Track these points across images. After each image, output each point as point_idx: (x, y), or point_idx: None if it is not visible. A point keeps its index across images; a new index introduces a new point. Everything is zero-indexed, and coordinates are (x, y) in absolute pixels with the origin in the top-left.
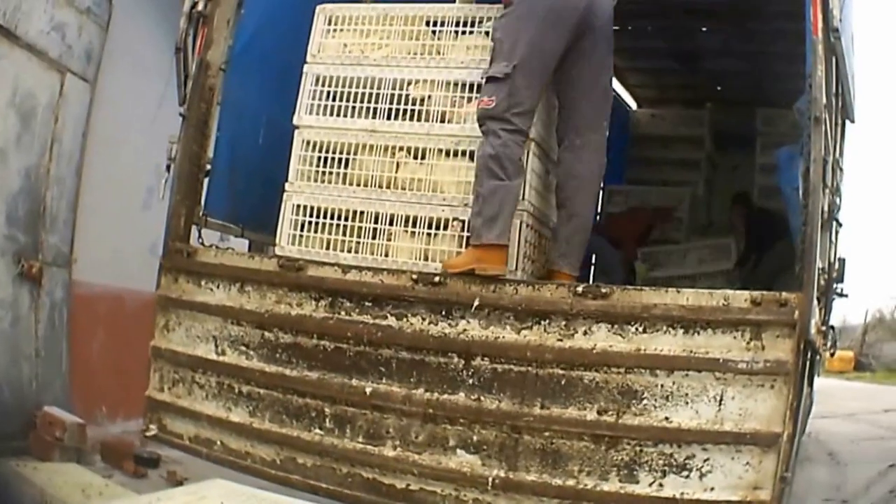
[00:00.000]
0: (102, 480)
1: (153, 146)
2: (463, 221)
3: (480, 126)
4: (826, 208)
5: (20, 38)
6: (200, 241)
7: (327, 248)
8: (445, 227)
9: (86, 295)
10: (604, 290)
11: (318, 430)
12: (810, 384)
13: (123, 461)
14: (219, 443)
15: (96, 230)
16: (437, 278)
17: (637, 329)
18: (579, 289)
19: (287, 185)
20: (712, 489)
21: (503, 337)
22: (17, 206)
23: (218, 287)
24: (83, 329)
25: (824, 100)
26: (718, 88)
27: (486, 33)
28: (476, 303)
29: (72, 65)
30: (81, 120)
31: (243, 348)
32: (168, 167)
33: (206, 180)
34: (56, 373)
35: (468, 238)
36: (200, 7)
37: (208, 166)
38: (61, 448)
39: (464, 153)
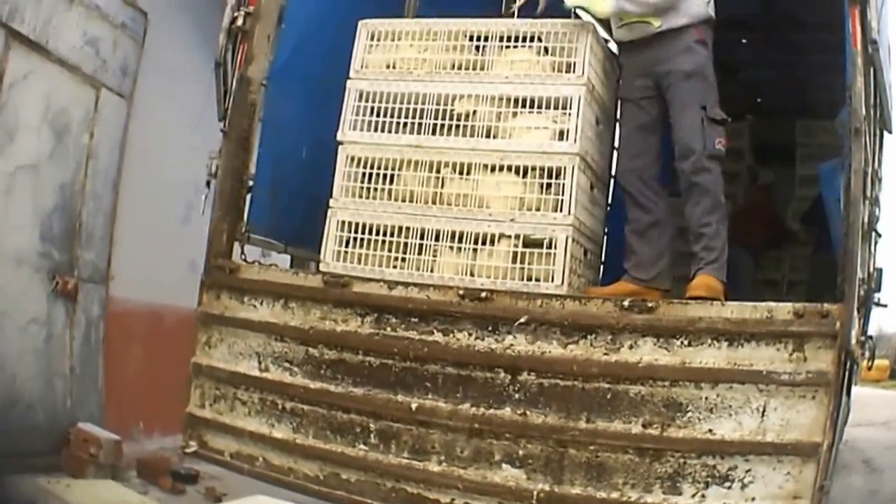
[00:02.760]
0: (138, 497)
1: (191, 161)
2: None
3: (719, 162)
4: (866, 219)
5: (51, 52)
6: (243, 257)
7: (372, 264)
8: (492, 243)
9: (123, 311)
10: (650, 304)
11: (362, 446)
12: (848, 393)
13: (160, 477)
14: (261, 459)
15: (134, 246)
16: (483, 294)
17: (682, 342)
18: (625, 303)
19: (331, 201)
20: (753, 499)
21: (549, 352)
22: (51, 223)
23: (261, 303)
24: (120, 345)
25: (864, 111)
26: (758, 100)
27: (530, 48)
28: (523, 318)
29: (106, 80)
30: (118, 135)
31: (287, 364)
32: (208, 183)
33: (247, 196)
34: (91, 389)
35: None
36: (240, 22)
37: (250, 182)
38: (96, 465)
39: (509, 168)
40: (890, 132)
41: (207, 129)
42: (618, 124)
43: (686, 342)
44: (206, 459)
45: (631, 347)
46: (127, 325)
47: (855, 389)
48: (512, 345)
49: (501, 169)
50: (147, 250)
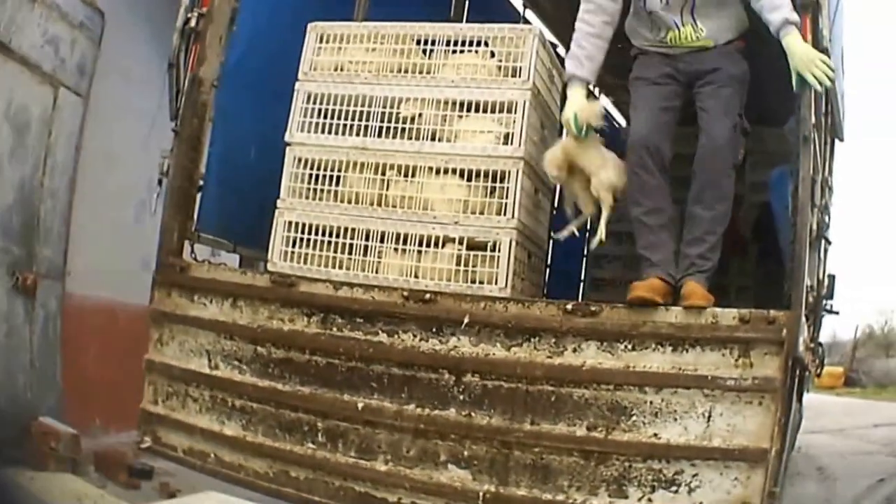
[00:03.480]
0: (97, 491)
1: (145, 160)
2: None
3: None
4: (815, 226)
5: (14, 51)
6: (193, 255)
7: (319, 264)
8: (436, 245)
9: (79, 307)
10: (593, 308)
11: (310, 444)
12: (799, 400)
13: (117, 472)
14: (212, 455)
15: (89, 243)
16: (427, 295)
17: (626, 346)
18: (569, 306)
19: (279, 202)
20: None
21: (493, 354)
22: (11, 219)
23: (211, 302)
24: (76, 341)
25: (813, 119)
26: None
27: (476, 52)
28: (466, 320)
29: (65, 78)
30: (74, 133)
31: (236, 363)
32: (160, 181)
33: (198, 195)
34: (50, 384)
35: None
36: (193, 24)
37: (200, 182)
38: (56, 458)
39: (454, 171)
40: (841, 140)
41: (161, 128)
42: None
43: (630, 346)
44: (160, 455)
45: (575, 351)
46: (83, 321)
47: (809, 397)
48: (456, 346)
49: (446, 172)
50: (102, 247)
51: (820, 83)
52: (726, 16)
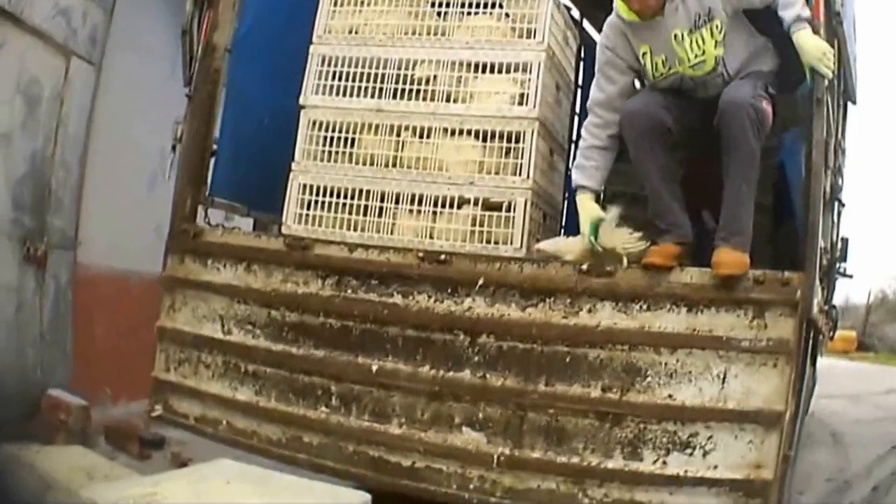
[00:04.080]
0: (107, 462)
1: (158, 129)
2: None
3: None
4: (828, 189)
5: (25, 22)
6: (206, 221)
7: (333, 226)
8: (451, 206)
9: (90, 277)
10: (608, 269)
11: (323, 409)
12: (813, 364)
13: (128, 443)
14: (224, 422)
15: (101, 213)
16: (442, 256)
17: (641, 307)
18: (584, 267)
19: (293, 165)
20: (716, 467)
21: (508, 314)
22: (22, 191)
23: (224, 266)
24: (87, 311)
25: (826, 82)
26: None
27: (490, 14)
28: (481, 281)
29: (77, 48)
30: (86, 103)
31: (249, 327)
32: (174, 147)
33: (211, 161)
34: (61, 356)
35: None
36: None
37: (214, 147)
38: (66, 431)
39: (469, 132)
40: (854, 103)
41: (175, 96)
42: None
43: (645, 307)
44: (172, 424)
45: (590, 311)
46: (94, 291)
47: (822, 361)
48: (471, 307)
49: (461, 133)
50: (114, 217)
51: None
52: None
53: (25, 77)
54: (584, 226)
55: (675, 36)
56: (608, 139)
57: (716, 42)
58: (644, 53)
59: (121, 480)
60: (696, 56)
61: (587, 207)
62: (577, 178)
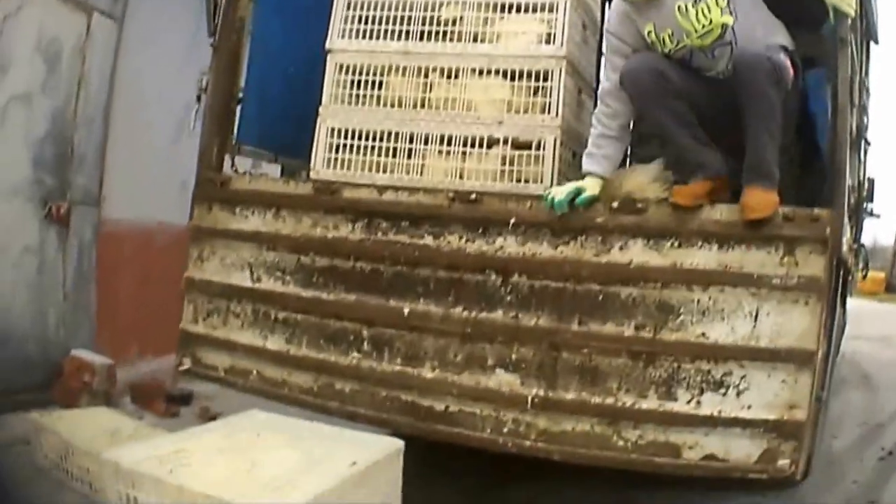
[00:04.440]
0: (132, 423)
1: (183, 81)
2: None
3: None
4: (854, 127)
5: None
6: (234, 169)
7: (362, 169)
8: (480, 146)
9: (115, 232)
10: (639, 205)
11: (355, 354)
12: (843, 304)
13: (154, 401)
14: (255, 372)
15: (126, 167)
16: (473, 196)
17: (672, 244)
18: (614, 204)
19: (321, 109)
20: (749, 407)
21: (540, 253)
22: (43, 150)
23: (252, 213)
24: (113, 267)
25: (849, 21)
26: None
27: None
28: (512, 220)
29: (98, 4)
30: (109, 58)
31: (279, 274)
32: (199, 98)
33: (237, 109)
34: (84, 316)
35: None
36: None
37: (240, 95)
38: (89, 393)
39: (497, 72)
40: (876, 43)
41: (199, 48)
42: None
43: (676, 244)
44: (200, 377)
45: (621, 249)
46: (119, 247)
47: (851, 302)
48: (502, 247)
49: (489, 73)
50: (139, 171)
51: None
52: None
53: (45, 35)
54: (568, 187)
55: (679, 9)
56: (619, 129)
57: (721, 9)
58: (649, 32)
59: (146, 440)
60: (702, 27)
61: (585, 182)
62: (586, 164)
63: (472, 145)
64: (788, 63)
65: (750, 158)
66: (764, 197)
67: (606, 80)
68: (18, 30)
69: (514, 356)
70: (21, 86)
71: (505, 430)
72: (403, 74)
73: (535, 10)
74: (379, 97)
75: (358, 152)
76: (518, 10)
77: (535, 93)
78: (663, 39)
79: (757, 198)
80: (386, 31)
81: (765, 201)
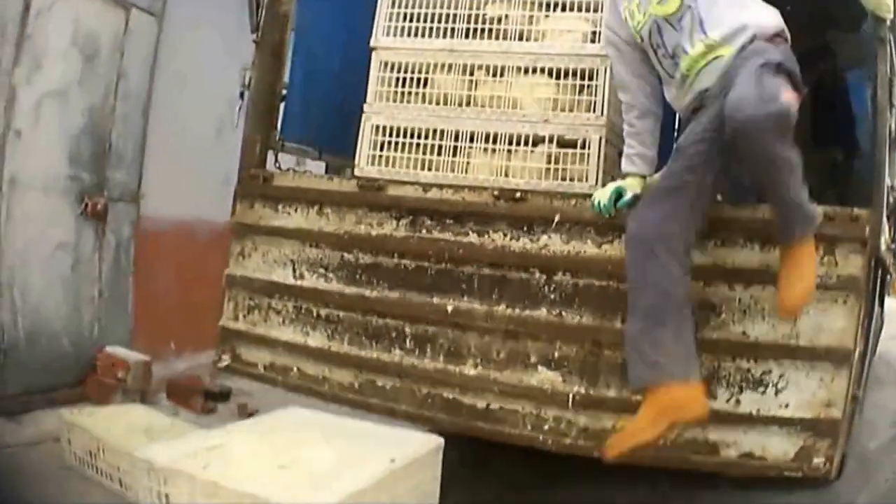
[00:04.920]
0: (167, 419)
1: (225, 77)
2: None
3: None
4: (893, 127)
5: None
6: (277, 165)
7: (407, 167)
8: (525, 144)
9: (154, 229)
10: None
11: (397, 351)
12: (881, 304)
13: (191, 398)
14: (295, 369)
15: (167, 164)
16: (518, 194)
17: (716, 243)
18: None
19: (365, 106)
20: (787, 406)
21: (584, 251)
22: (80, 146)
23: (296, 210)
24: (151, 264)
25: (888, 22)
26: (787, 9)
27: None
28: (557, 218)
29: (137, 0)
30: (149, 55)
31: (322, 271)
32: (242, 94)
33: (280, 106)
34: (120, 313)
35: None
36: None
37: (283, 92)
38: (123, 390)
39: (542, 70)
40: None
41: (241, 44)
42: None
43: (719, 242)
44: (239, 373)
45: None
46: (158, 243)
47: (889, 302)
48: (547, 245)
49: (534, 71)
50: (180, 167)
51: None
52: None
53: (82, 31)
54: (610, 188)
55: None
56: (637, 122)
57: None
58: (624, 8)
59: (182, 437)
60: None
61: (626, 182)
62: (623, 165)
63: (518, 143)
64: (791, 94)
65: (780, 214)
66: (801, 289)
67: (614, 76)
68: (52, 25)
69: (556, 354)
70: (56, 81)
71: (546, 427)
72: (449, 72)
73: (580, 9)
74: (424, 95)
75: (402, 150)
76: (563, 9)
77: (581, 91)
78: (632, 12)
79: (794, 293)
80: (431, 28)
81: (802, 294)
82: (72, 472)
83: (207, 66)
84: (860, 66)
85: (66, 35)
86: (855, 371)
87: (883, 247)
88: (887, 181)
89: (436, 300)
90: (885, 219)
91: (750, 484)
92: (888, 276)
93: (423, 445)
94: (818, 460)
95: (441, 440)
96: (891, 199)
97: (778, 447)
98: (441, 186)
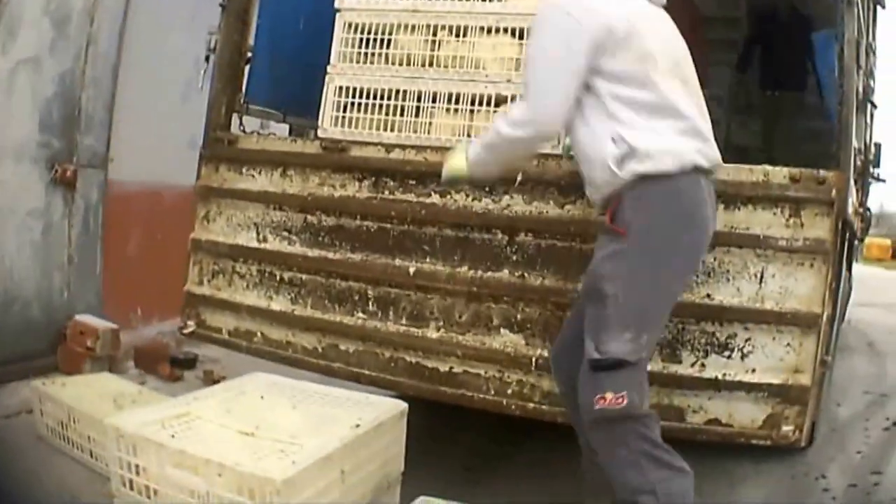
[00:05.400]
0: (135, 388)
1: (191, 41)
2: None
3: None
4: (860, 89)
5: None
6: (242, 128)
7: (370, 128)
8: (488, 104)
9: (122, 194)
10: None
11: (360, 314)
12: (849, 268)
13: (158, 365)
14: (259, 334)
15: (134, 128)
16: None
17: None
18: None
19: (329, 68)
20: (754, 371)
21: (546, 212)
22: (50, 112)
23: (260, 173)
24: (119, 229)
25: None
26: None
27: None
28: (519, 177)
29: None
30: (118, 19)
31: (286, 233)
32: (207, 58)
33: (246, 69)
34: (89, 279)
35: None
36: None
37: (248, 55)
38: (92, 358)
39: (505, 30)
40: (883, 7)
41: (206, 8)
42: None
43: None
44: (205, 339)
45: None
46: (126, 208)
47: (858, 268)
48: (509, 205)
49: (497, 31)
50: (147, 131)
51: None
52: None
53: None
54: None
55: None
56: None
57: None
58: None
59: (149, 405)
60: None
61: None
62: None
63: (481, 103)
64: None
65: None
66: None
67: None
68: None
69: (519, 316)
70: (29, 49)
71: (509, 391)
72: (412, 32)
73: None
74: (387, 55)
75: (366, 111)
76: None
77: None
78: None
79: None
80: None
81: None
82: (44, 444)
83: (175, 29)
84: (832, 27)
85: (38, 3)
86: (823, 336)
87: (850, 210)
88: (854, 143)
89: (398, 262)
90: (852, 181)
91: (718, 451)
92: (856, 241)
93: (388, 410)
94: (787, 428)
95: (405, 405)
96: (858, 162)
97: (745, 414)
98: (404, 147)
